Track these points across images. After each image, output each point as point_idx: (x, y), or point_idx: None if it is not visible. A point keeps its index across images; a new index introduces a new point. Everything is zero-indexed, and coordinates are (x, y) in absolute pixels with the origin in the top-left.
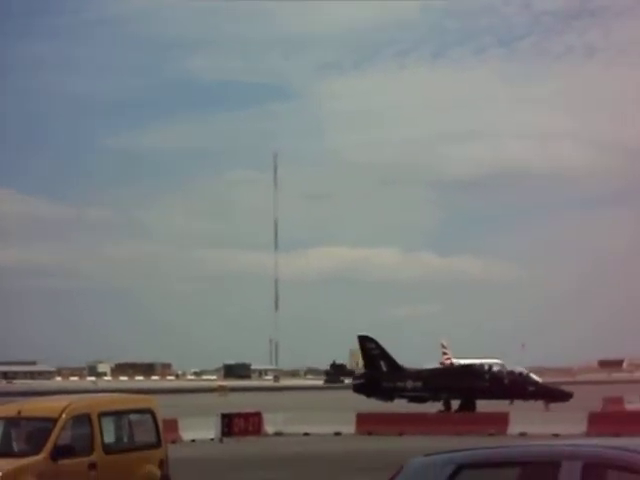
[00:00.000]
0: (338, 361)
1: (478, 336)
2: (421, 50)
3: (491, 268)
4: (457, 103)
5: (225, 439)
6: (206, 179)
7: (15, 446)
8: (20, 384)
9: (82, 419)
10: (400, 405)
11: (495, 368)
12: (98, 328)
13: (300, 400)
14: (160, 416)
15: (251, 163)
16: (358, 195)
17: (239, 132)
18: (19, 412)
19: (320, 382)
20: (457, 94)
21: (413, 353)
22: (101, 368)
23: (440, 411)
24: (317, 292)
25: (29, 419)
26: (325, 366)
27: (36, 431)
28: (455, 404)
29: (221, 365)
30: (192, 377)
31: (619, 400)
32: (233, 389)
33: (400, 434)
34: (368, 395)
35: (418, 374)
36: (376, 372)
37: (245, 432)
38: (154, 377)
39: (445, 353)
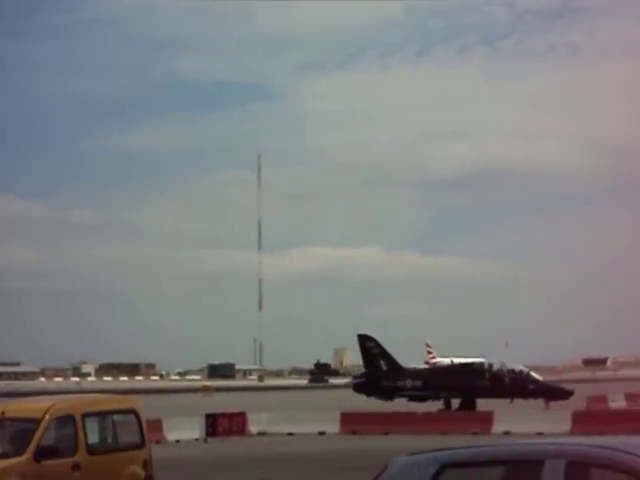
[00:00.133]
0: (322, 360)
1: (462, 335)
2: (405, 50)
3: (475, 267)
4: (441, 102)
5: (209, 439)
6: (194, 179)
7: None
8: (4, 385)
9: (66, 420)
10: (400, 404)
11: (495, 367)
12: (82, 329)
13: (284, 400)
14: (144, 416)
15: (236, 163)
16: (342, 195)
17: (224, 132)
18: (2, 413)
19: (304, 382)
20: (441, 93)
21: (397, 352)
22: (85, 369)
23: (440, 410)
24: (301, 292)
25: (12, 420)
26: (309, 366)
27: (19, 432)
28: (455, 403)
29: (205, 365)
30: (176, 377)
31: (603, 399)
32: (217, 389)
33: (385, 433)
34: (368, 394)
35: (418, 373)
36: (376, 371)
37: (229, 432)
38: (138, 377)
39: (430, 352)
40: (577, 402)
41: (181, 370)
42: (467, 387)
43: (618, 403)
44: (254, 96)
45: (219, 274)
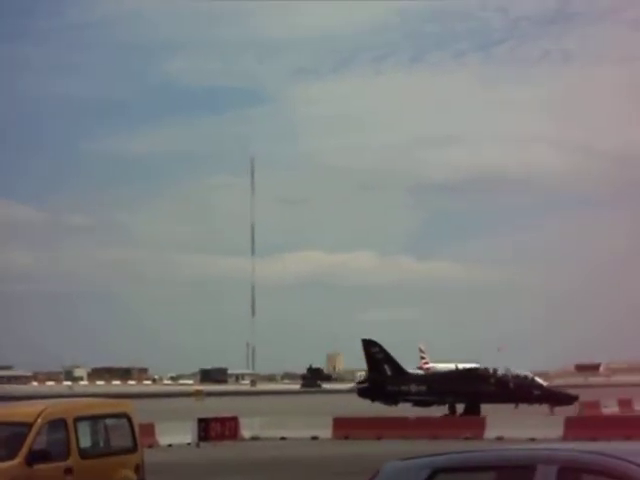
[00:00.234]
0: (315, 365)
1: (456, 340)
2: (399, 55)
3: (469, 272)
4: (435, 107)
5: (202, 444)
6: (187, 183)
7: None
8: None
9: (58, 424)
10: (405, 409)
11: (500, 372)
12: (74, 333)
13: (277, 404)
14: (136, 420)
15: (229, 168)
16: (335, 199)
17: (217, 136)
18: None
19: (297, 386)
20: (435, 98)
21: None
22: (77, 373)
23: (445, 415)
24: (294, 297)
25: (4, 424)
26: (302, 370)
27: (11, 436)
28: (460, 408)
29: (198, 370)
30: (169, 382)
31: (596, 404)
32: (210, 394)
33: (377, 438)
34: (372, 399)
35: (423, 378)
36: (380, 376)
37: (222, 437)
38: (131, 382)
39: (423, 357)
40: (570, 408)
41: (174, 374)
42: (472, 392)
43: (611, 409)
44: (247, 100)
45: (212, 279)
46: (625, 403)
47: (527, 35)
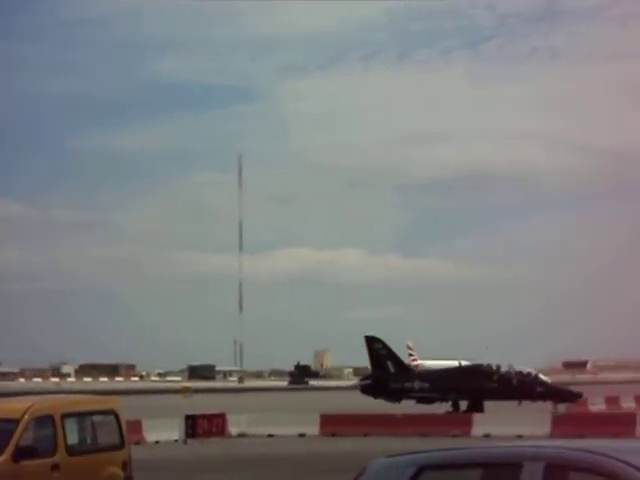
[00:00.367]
0: (302, 362)
1: (445, 337)
2: (387, 52)
3: (457, 270)
4: (424, 105)
5: (189, 440)
6: (176, 181)
7: None
8: None
9: (45, 420)
10: (408, 406)
11: (503, 369)
12: (62, 329)
13: (264, 401)
14: (124, 417)
15: (218, 165)
16: (324, 197)
17: (207, 134)
18: None
19: (284, 383)
20: (423, 96)
21: None
22: (65, 369)
23: (448, 412)
24: (282, 294)
25: None
26: (290, 367)
27: None
28: (463, 405)
29: (186, 366)
30: (156, 378)
31: (583, 402)
32: (197, 390)
33: (364, 435)
34: (375, 396)
35: (426, 375)
36: (383, 373)
37: (209, 433)
38: (118, 378)
39: (411, 355)
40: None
41: (161, 371)
42: (475, 389)
43: (598, 406)
44: (237, 98)
45: (200, 276)
46: (612, 400)
47: (515, 32)
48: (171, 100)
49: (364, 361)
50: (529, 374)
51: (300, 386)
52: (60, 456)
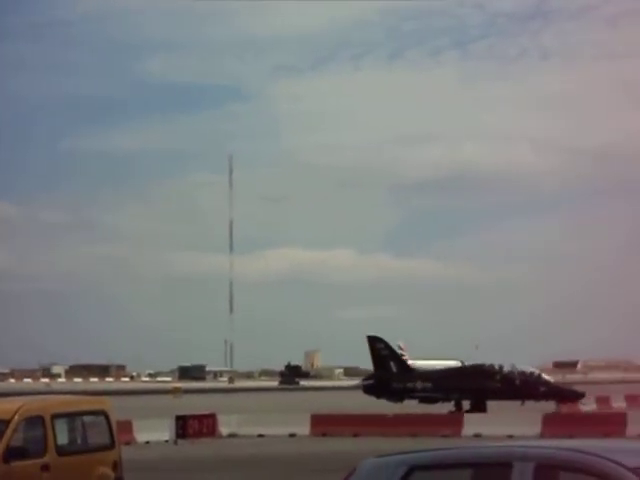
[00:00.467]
0: (293, 362)
1: (436, 338)
2: (378, 52)
3: (448, 270)
4: (414, 105)
5: (179, 441)
6: (168, 181)
7: None
8: None
9: (35, 421)
10: (410, 406)
11: (506, 368)
12: (53, 330)
13: (255, 402)
14: (114, 418)
15: (210, 165)
16: (315, 197)
17: (198, 134)
18: None
19: (275, 383)
20: (414, 96)
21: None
22: (55, 370)
23: (451, 412)
24: (273, 294)
25: None
26: (280, 367)
27: None
28: (466, 405)
29: (176, 367)
30: (147, 379)
31: (574, 401)
32: (188, 391)
33: (355, 435)
34: (378, 396)
35: (429, 375)
36: (386, 373)
37: (199, 434)
38: (109, 379)
39: (402, 355)
40: (548, 405)
41: (152, 372)
42: (478, 389)
43: (588, 406)
44: (229, 98)
45: (191, 276)
46: (603, 400)
47: (505, 32)
48: (163, 100)
49: (354, 361)
50: (532, 374)
51: (291, 386)
52: (50, 456)
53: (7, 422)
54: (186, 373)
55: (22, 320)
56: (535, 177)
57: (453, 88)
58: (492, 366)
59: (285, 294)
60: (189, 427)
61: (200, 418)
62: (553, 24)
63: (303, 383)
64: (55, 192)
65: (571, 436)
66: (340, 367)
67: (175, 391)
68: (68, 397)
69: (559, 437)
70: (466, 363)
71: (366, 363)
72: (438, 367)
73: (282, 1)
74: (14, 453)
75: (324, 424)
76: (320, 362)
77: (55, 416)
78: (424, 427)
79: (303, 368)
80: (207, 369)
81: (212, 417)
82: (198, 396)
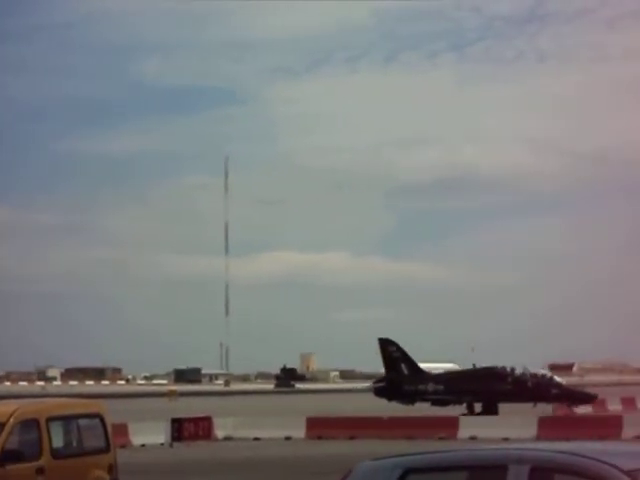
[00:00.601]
0: (288, 365)
1: (430, 340)
2: (373, 54)
3: (443, 273)
4: (410, 107)
5: (175, 444)
6: (164, 183)
7: None
8: None
9: (30, 424)
10: (422, 408)
11: (518, 371)
12: (48, 333)
13: (250, 405)
14: (109, 421)
15: (207, 168)
16: (311, 200)
17: (194, 137)
18: None
19: (271, 386)
20: (410, 98)
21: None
22: (51, 373)
23: (463, 414)
24: (268, 296)
25: None
26: (276, 370)
27: None
28: (478, 408)
29: (172, 370)
30: (142, 382)
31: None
32: (183, 394)
33: (350, 438)
34: (389, 399)
35: (440, 377)
36: (397, 375)
37: (195, 437)
38: (104, 382)
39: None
40: (543, 407)
41: (147, 374)
42: (490, 391)
43: (584, 409)
44: (224, 100)
45: (186, 279)
46: (598, 403)
47: (502, 35)
48: (159, 102)
49: (350, 364)
50: (544, 376)
51: (286, 389)
52: (45, 460)
53: (2, 425)
54: (182, 376)
55: (18, 323)
56: (532, 179)
57: (449, 91)
58: (504, 368)
59: (281, 297)
60: (185, 430)
61: (196, 421)
62: (550, 27)
63: (299, 386)
64: (51, 194)
65: (567, 439)
66: (336, 370)
67: (171, 394)
68: (63, 400)
69: (555, 440)
70: (477, 365)
71: (362, 366)
72: (435, 370)
73: (278, 3)
74: (9, 456)
75: (320, 427)
76: (316, 365)
77: (50, 419)
78: (420, 430)
79: (299, 371)
80: (203, 372)
81: (208, 420)
82: (194, 399)
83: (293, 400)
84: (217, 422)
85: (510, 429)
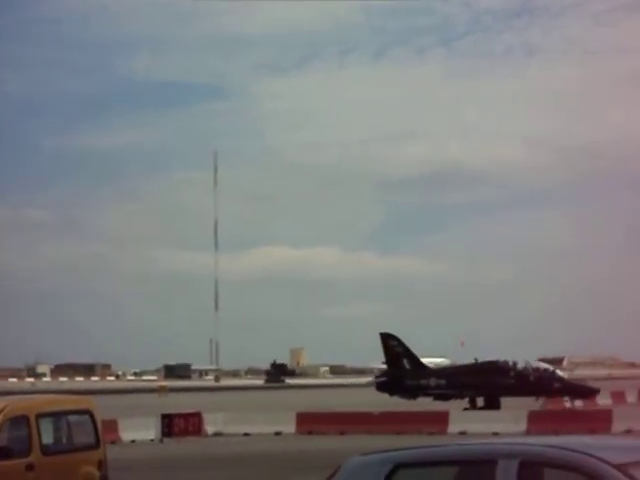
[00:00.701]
0: (279, 361)
1: (421, 335)
2: (362, 50)
3: (433, 268)
4: (400, 102)
5: (165, 439)
6: (151, 179)
7: None
8: None
9: (19, 420)
10: (424, 403)
11: (520, 365)
12: (38, 329)
13: (240, 400)
14: (99, 417)
15: (195, 163)
16: (300, 195)
17: (182, 133)
18: None
19: (261, 382)
20: (399, 93)
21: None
22: (40, 369)
23: (465, 409)
24: (258, 292)
25: None
26: (266, 366)
27: None
28: (480, 402)
29: (162, 365)
30: (132, 378)
31: (559, 398)
32: (173, 389)
33: (341, 433)
34: (391, 393)
35: (442, 371)
36: (399, 370)
37: (185, 432)
38: (94, 378)
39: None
40: (533, 402)
41: (137, 370)
42: (492, 386)
43: (577, 403)
44: (212, 96)
45: (175, 274)
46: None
47: (491, 29)
48: (148, 98)
49: (340, 359)
50: (546, 370)
51: (276, 384)
52: (35, 456)
53: None
54: (172, 372)
55: (7, 319)
56: (521, 173)
57: (439, 85)
58: (506, 362)
59: (270, 292)
60: (175, 426)
61: (186, 417)
62: (539, 21)
63: (289, 381)
64: (40, 191)
65: (556, 433)
66: (326, 365)
67: (161, 390)
68: (53, 396)
69: (544, 434)
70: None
71: (352, 361)
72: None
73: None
74: None
75: (310, 422)
76: (306, 360)
77: (40, 415)
78: (410, 425)
79: (289, 366)
80: (193, 367)
81: (198, 416)
82: (184, 395)
83: (283, 395)
84: (207, 418)
85: (500, 423)
